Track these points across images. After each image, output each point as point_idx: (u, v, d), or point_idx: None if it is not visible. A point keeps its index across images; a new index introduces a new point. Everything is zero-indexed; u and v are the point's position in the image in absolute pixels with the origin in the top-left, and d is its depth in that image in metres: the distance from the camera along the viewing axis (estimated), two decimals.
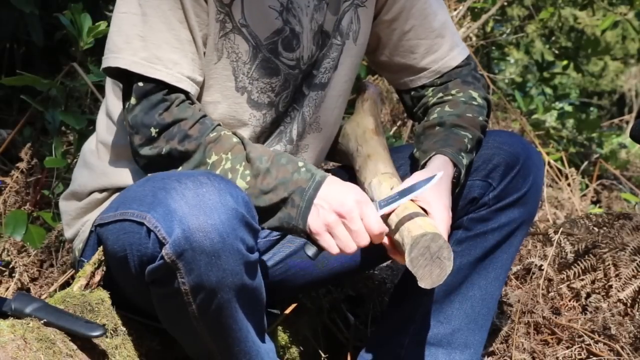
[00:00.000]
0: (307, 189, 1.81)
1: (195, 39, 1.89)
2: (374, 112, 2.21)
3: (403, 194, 1.85)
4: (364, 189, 2.03)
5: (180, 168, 1.85)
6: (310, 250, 1.84)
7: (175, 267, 1.69)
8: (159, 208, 1.71)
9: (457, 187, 2.00)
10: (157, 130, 1.84)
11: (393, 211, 1.86)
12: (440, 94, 2.12)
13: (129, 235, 1.78)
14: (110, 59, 1.86)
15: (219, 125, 1.88)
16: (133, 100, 1.85)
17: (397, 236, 1.84)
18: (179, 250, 1.67)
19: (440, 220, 1.85)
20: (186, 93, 1.87)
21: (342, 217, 1.79)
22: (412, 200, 1.87)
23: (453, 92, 2.12)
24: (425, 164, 1.99)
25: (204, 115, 1.87)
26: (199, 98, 1.94)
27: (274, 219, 1.84)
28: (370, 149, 2.11)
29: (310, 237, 1.84)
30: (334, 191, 1.82)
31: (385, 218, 1.87)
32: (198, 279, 1.70)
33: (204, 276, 1.69)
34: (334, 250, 1.81)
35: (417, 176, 1.91)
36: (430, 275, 1.78)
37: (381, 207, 1.85)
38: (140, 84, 1.85)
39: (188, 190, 1.69)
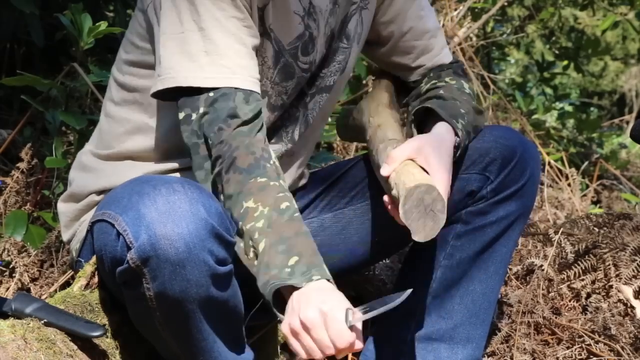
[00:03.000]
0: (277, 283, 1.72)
1: (253, 41, 1.86)
2: (389, 89, 2.23)
3: (383, 302, 1.72)
4: (372, 158, 2.04)
5: (222, 197, 1.79)
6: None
7: (141, 273, 1.69)
8: (130, 212, 1.70)
9: (457, 153, 1.99)
10: (211, 142, 1.79)
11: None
12: (434, 81, 2.16)
13: (104, 236, 1.77)
14: (180, 79, 1.81)
15: (272, 167, 1.81)
16: (202, 110, 1.81)
17: (394, 192, 1.84)
18: (143, 256, 1.67)
19: (439, 180, 1.86)
20: (252, 92, 1.83)
21: (305, 327, 1.70)
22: (412, 159, 1.88)
23: (447, 79, 2.15)
24: (422, 129, 2.00)
25: (263, 150, 1.81)
26: None
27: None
28: (381, 119, 2.11)
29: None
30: (304, 298, 1.71)
31: (385, 180, 1.88)
32: (162, 287, 1.69)
33: (167, 285, 1.68)
34: (302, 355, 1.72)
35: (419, 139, 1.93)
36: (423, 228, 1.77)
37: (363, 314, 1.71)
38: (211, 93, 1.81)
39: (160, 196, 1.68)
